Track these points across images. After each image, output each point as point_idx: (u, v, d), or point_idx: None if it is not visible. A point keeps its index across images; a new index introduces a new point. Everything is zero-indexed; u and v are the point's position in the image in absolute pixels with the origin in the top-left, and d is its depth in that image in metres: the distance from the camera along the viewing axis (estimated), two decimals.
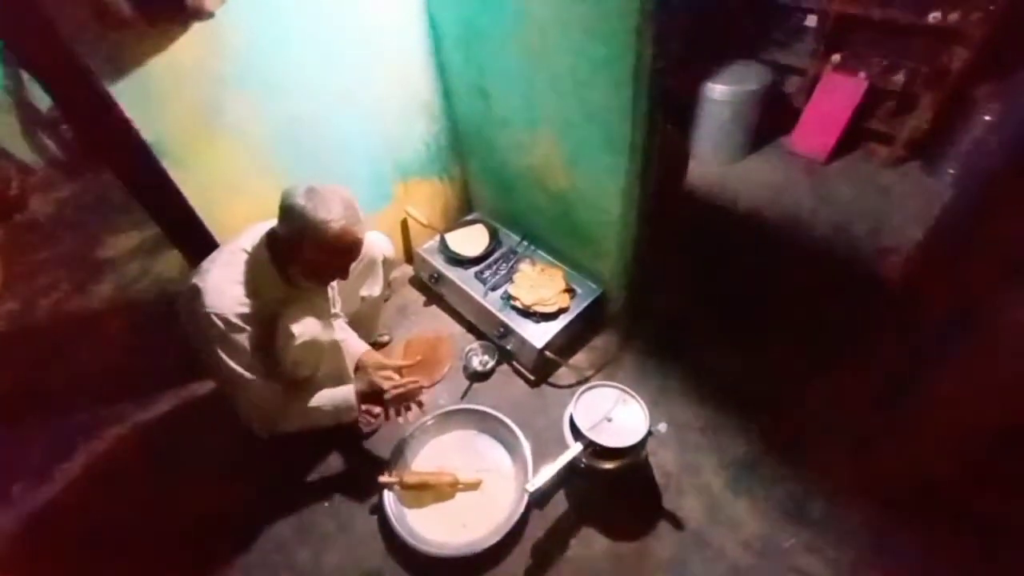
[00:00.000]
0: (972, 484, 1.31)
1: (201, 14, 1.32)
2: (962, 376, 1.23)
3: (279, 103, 1.63)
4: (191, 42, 1.39)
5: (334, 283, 1.57)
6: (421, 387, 1.51)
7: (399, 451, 1.64)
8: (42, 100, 3.28)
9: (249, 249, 1.31)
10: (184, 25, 1.34)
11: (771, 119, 2.81)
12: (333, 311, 1.61)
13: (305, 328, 1.33)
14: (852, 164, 2.75)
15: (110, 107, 1.35)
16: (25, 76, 3.13)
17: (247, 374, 1.29)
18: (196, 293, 1.23)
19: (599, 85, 1.42)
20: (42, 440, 1.91)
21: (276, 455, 1.70)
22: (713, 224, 2.53)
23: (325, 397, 1.44)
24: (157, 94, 1.40)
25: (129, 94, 1.35)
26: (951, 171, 2.52)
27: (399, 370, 1.59)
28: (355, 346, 1.65)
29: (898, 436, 1.44)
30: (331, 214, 1.18)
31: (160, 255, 2.69)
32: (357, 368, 1.61)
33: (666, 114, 1.51)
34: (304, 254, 1.24)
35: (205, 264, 1.30)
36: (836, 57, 2.65)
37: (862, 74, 2.56)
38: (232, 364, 1.27)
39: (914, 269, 1.98)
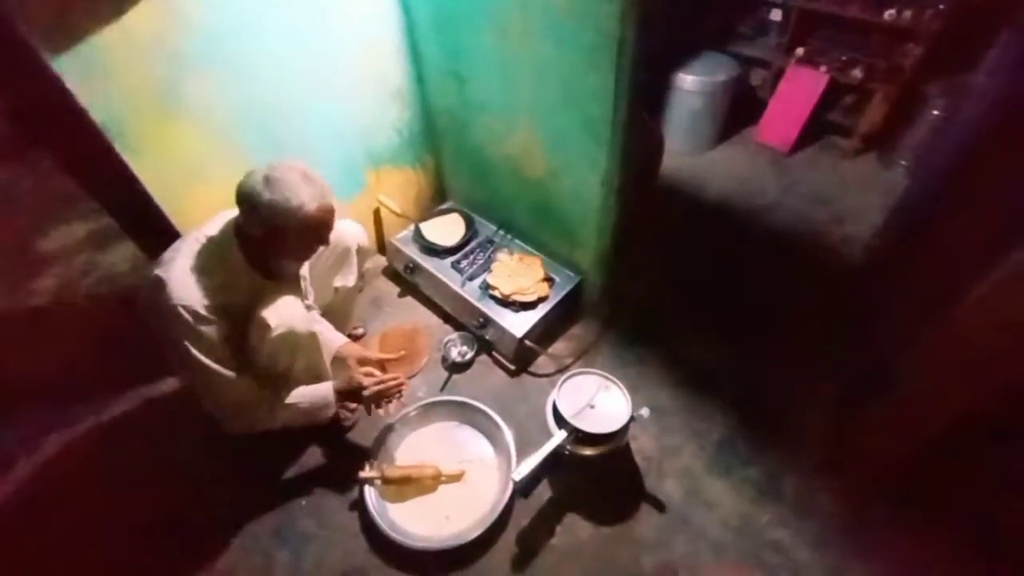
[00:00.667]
0: (935, 460, 1.39)
1: None
2: (927, 360, 1.30)
3: (244, 85, 1.54)
4: (147, 13, 1.28)
5: (306, 274, 1.50)
6: (401, 383, 1.48)
7: (379, 445, 1.60)
8: None
9: (216, 237, 1.24)
10: None
11: (738, 110, 2.89)
12: (306, 303, 1.55)
13: (281, 318, 1.27)
14: (814, 155, 2.87)
15: (54, 84, 1.23)
16: None
17: (219, 368, 1.23)
18: (160, 285, 1.15)
19: (580, 71, 1.41)
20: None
21: (249, 453, 1.62)
22: (685, 213, 2.59)
23: (302, 394, 1.39)
24: (108, 70, 1.29)
25: (76, 69, 1.24)
26: (903, 163, 2.66)
27: (380, 364, 1.55)
28: (332, 338, 1.59)
29: (866, 417, 1.51)
30: (300, 198, 1.13)
31: (110, 247, 2.51)
32: (334, 360, 1.56)
33: (643, 102, 1.52)
34: (279, 243, 1.19)
35: (168, 254, 1.22)
36: (799, 51, 2.74)
37: (823, 68, 2.66)
38: (202, 358, 1.20)
39: (874, 256, 2.08)
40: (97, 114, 1.31)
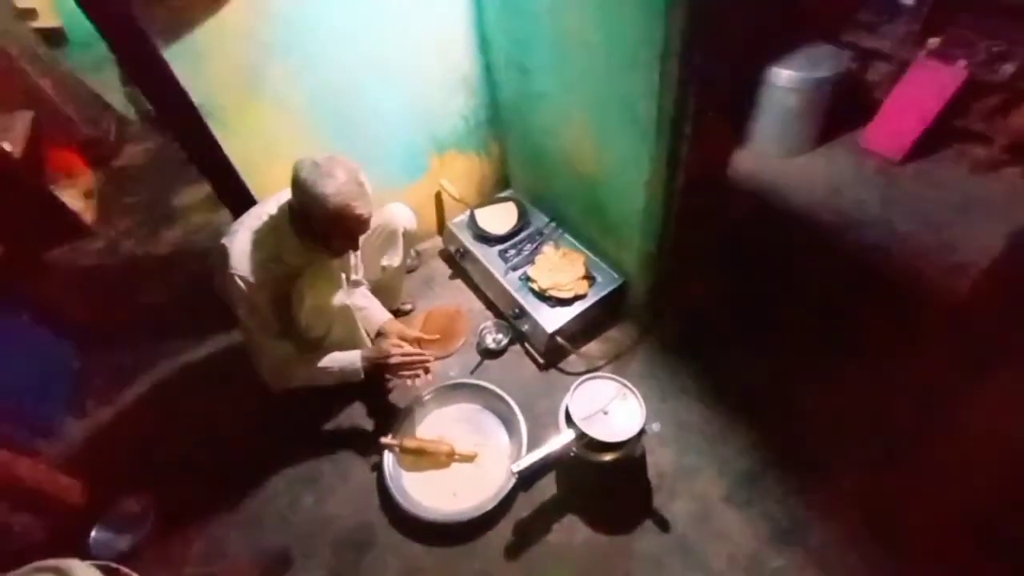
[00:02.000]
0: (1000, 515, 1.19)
1: None
2: (1002, 408, 1.10)
3: (320, 71, 1.69)
4: (239, 8, 1.46)
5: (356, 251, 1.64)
6: (426, 360, 1.56)
7: (405, 416, 1.72)
8: None
9: (274, 212, 1.40)
10: None
11: (844, 110, 2.55)
12: (355, 278, 1.69)
13: (317, 294, 1.42)
14: (935, 166, 2.46)
15: (163, 69, 1.46)
16: None
17: (263, 332, 1.40)
18: (224, 253, 1.33)
19: (627, 67, 1.35)
20: (111, 365, 2.17)
21: (294, 406, 1.82)
22: (760, 220, 2.36)
23: (333, 359, 1.53)
24: (205, 57, 1.49)
25: (181, 59, 1.45)
26: None
27: (417, 341, 1.66)
28: (378, 314, 1.73)
29: (921, 468, 1.32)
30: (328, 189, 1.21)
31: (222, 209, 2.90)
32: (378, 334, 1.70)
33: (707, 103, 1.41)
34: (310, 224, 1.31)
35: (234, 226, 1.39)
36: (934, 41, 2.34)
37: (962, 62, 2.25)
38: (250, 322, 1.37)
39: (983, 289, 1.76)
40: (195, 96, 1.53)
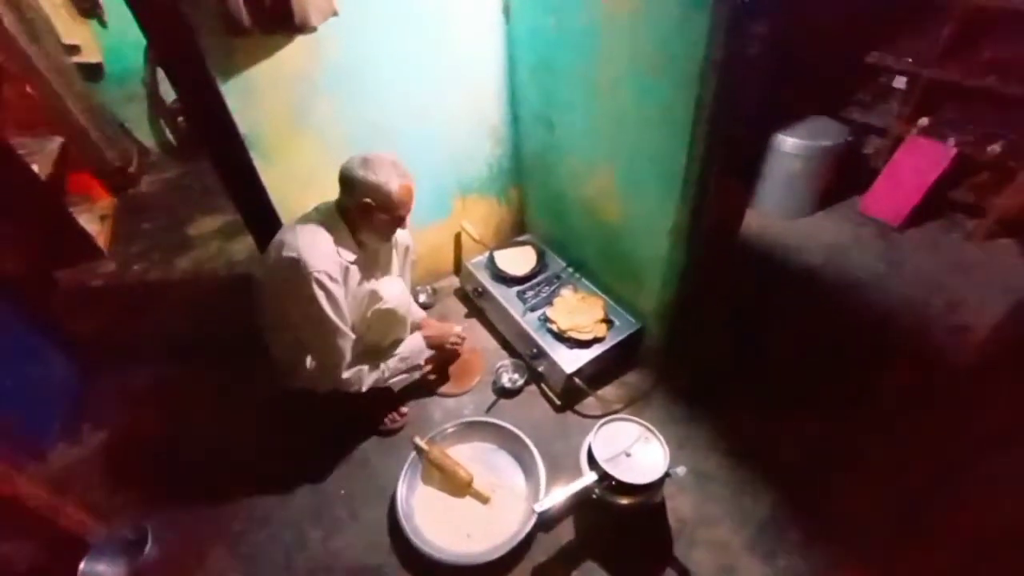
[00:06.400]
0: None
1: (306, 28, 1.49)
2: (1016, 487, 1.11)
3: (361, 110, 1.80)
4: (293, 51, 1.57)
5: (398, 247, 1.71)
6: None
7: (440, 429, 1.73)
8: (168, 94, 3.74)
9: (320, 217, 1.46)
10: (290, 36, 1.52)
11: (844, 178, 2.72)
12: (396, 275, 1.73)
13: (392, 295, 1.56)
14: (931, 233, 2.59)
15: (219, 102, 1.54)
16: (159, 72, 3.59)
17: (343, 325, 1.44)
18: (294, 263, 1.35)
19: (659, 125, 1.46)
20: (112, 389, 2.12)
21: (303, 439, 1.80)
22: (768, 278, 2.45)
23: (400, 349, 1.71)
24: (257, 94, 1.58)
25: (235, 92, 1.54)
26: None
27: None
28: (416, 310, 1.95)
29: (941, 533, 1.31)
30: (386, 176, 1.38)
31: (235, 239, 2.95)
32: (418, 327, 1.88)
33: (726, 161, 1.51)
34: (372, 213, 1.41)
35: (287, 239, 1.40)
36: (924, 120, 2.54)
37: (951, 140, 2.43)
38: (332, 316, 1.40)
39: (989, 352, 1.82)
40: (243, 126, 1.60)
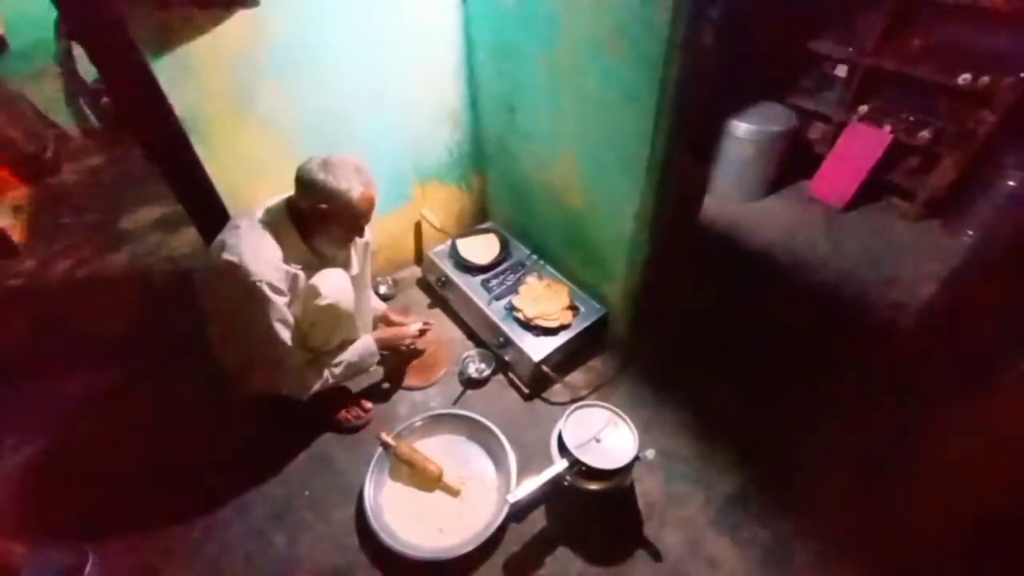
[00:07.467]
0: (974, 545, 1.27)
1: (247, 2, 1.37)
2: (963, 434, 1.20)
3: (311, 95, 1.69)
4: (233, 27, 1.44)
5: (360, 246, 1.62)
6: (428, 328, 1.83)
7: (408, 423, 1.69)
8: (88, 72, 3.41)
9: (269, 219, 1.35)
10: (229, 10, 1.39)
11: (792, 162, 2.83)
12: (353, 273, 1.62)
13: (331, 290, 1.40)
14: (871, 215, 2.75)
15: (150, 82, 1.40)
16: (75, 48, 3.26)
17: (287, 336, 1.35)
18: (234, 267, 1.25)
19: (623, 110, 1.45)
20: (41, 396, 1.94)
21: (259, 442, 1.72)
22: (725, 259, 2.53)
23: (349, 352, 1.58)
24: (195, 74, 1.45)
25: (169, 71, 1.40)
26: (970, 233, 2.50)
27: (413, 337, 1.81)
28: (375, 302, 1.86)
29: (894, 491, 1.41)
30: (348, 183, 1.28)
31: (177, 231, 2.75)
32: (379, 320, 1.87)
33: (687, 145, 1.53)
34: (329, 221, 1.32)
35: (229, 239, 1.30)
36: (863, 108, 2.67)
37: (887, 127, 2.58)
38: (276, 326, 1.32)
39: (923, 325, 1.96)
40: (180, 109, 1.47)
